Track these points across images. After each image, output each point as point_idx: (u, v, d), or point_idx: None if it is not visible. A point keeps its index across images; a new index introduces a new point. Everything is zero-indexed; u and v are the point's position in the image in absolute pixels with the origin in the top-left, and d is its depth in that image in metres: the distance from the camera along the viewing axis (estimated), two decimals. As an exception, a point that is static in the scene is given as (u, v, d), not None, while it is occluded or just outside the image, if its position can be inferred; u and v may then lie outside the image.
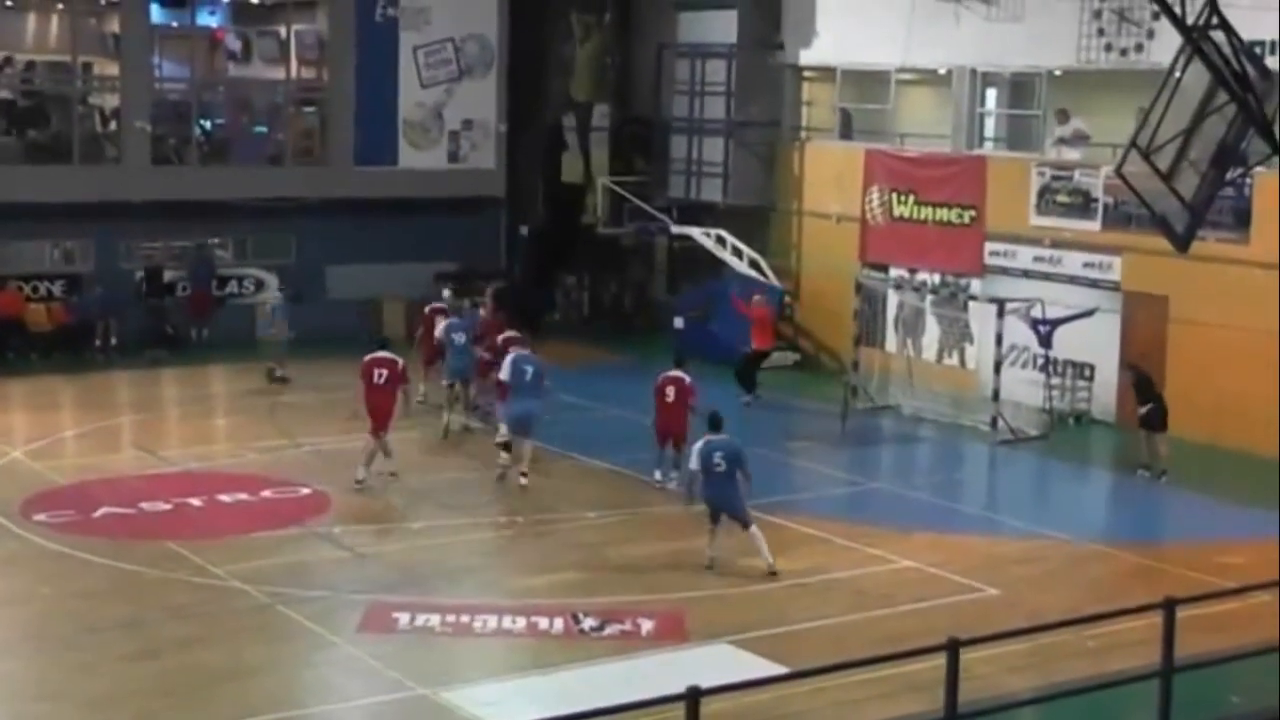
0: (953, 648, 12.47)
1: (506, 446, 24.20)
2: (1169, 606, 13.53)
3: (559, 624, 18.29)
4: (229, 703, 15.92)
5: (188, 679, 16.55)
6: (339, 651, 17.51)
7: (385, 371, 24.08)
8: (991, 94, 33.76)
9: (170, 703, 15.92)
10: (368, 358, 24.35)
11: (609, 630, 18.17)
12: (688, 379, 24.21)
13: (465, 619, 18.47)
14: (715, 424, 20.58)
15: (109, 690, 16.24)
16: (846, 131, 35.70)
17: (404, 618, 18.50)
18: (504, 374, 24.36)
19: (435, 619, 18.46)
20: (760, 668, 16.07)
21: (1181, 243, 18.08)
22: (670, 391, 24.06)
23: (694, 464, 20.22)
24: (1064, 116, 30.74)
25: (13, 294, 33.71)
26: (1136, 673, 14.72)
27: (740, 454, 20.05)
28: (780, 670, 15.53)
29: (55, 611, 18.61)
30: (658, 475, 24.10)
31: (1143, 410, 25.96)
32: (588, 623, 18.32)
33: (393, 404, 24.18)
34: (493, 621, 18.40)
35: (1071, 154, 30.54)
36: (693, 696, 11.26)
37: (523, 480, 23.61)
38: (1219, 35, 16.85)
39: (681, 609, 18.83)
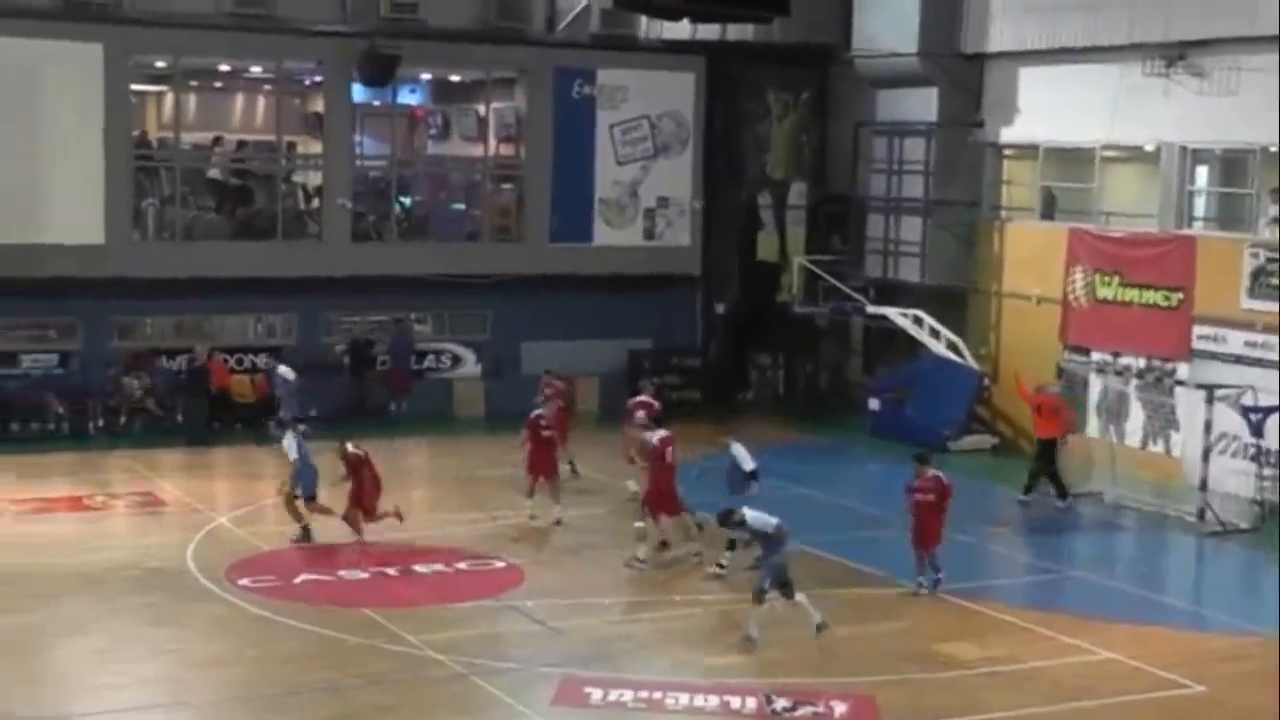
0: None
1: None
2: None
3: (751, 703, 18.18)
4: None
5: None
6: (530, 725, 17.58)
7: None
8: (1201, 171, 32.95)
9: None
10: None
11: (801, 712, 17.99)
12: (944, 477, 23.16)
13: (658, 695, 18.48)
14: None
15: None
16: (1049, 211, 35.21)
17: (596, 693, 18.55)
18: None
19: (628, 694, 18.52)
20: None
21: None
22: (930, 494, 22.81)
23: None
24: (1277, 196, 30.01)
25: (219, 365, 34.37)
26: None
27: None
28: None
29: (260, 674, 19.04)
30: (921, 581, 22.90)
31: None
32: (780, 703, 18.14)
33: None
34: (685, 699, 18.36)
35: (1287, 236, 29.83)
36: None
37: (718, 569, 23.44)
38: None
39: (875, 693, 18.58)
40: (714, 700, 18.30)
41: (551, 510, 26.40)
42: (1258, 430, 28.43)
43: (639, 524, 24.43)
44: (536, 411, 27.51)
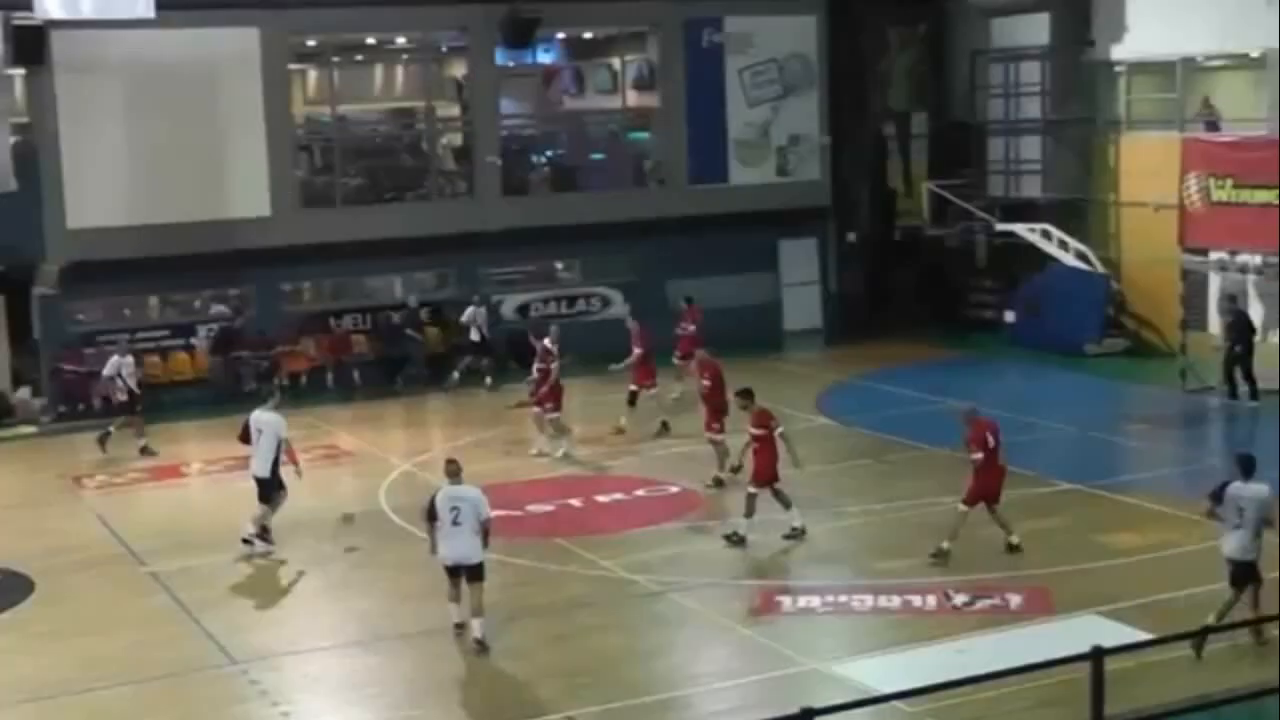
0: None
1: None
2: None
3: (931, 601, 19.44)
4: (638, 680, 17.50)
5: (598, 660, 18.14)
6: (733, 633, 18.95)
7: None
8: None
9: (587, 681, 17.52)
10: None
11: (980, 605, 19.22)
12: None
13: (844, 599, 19.77)
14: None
15: (533, 670, 18.13)
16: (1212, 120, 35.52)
17: (787, 600, 19.88)
18: None
19: (816, 600, 19.81)
20: (1131, 636, 16.75)
21: None
22: None
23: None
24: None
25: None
26: None
27: None
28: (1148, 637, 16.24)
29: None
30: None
31: None
32: (959, 599, 19.41)
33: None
34: (870, 600, 19.64)
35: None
36: (1096, 655, 12.52)
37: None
38: None
39: (1046, 583, 19.80)
40: (897, 600, 19.54)
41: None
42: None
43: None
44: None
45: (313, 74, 40.65)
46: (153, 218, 33.49)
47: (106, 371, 30.23)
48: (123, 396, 30.01)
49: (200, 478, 28.38)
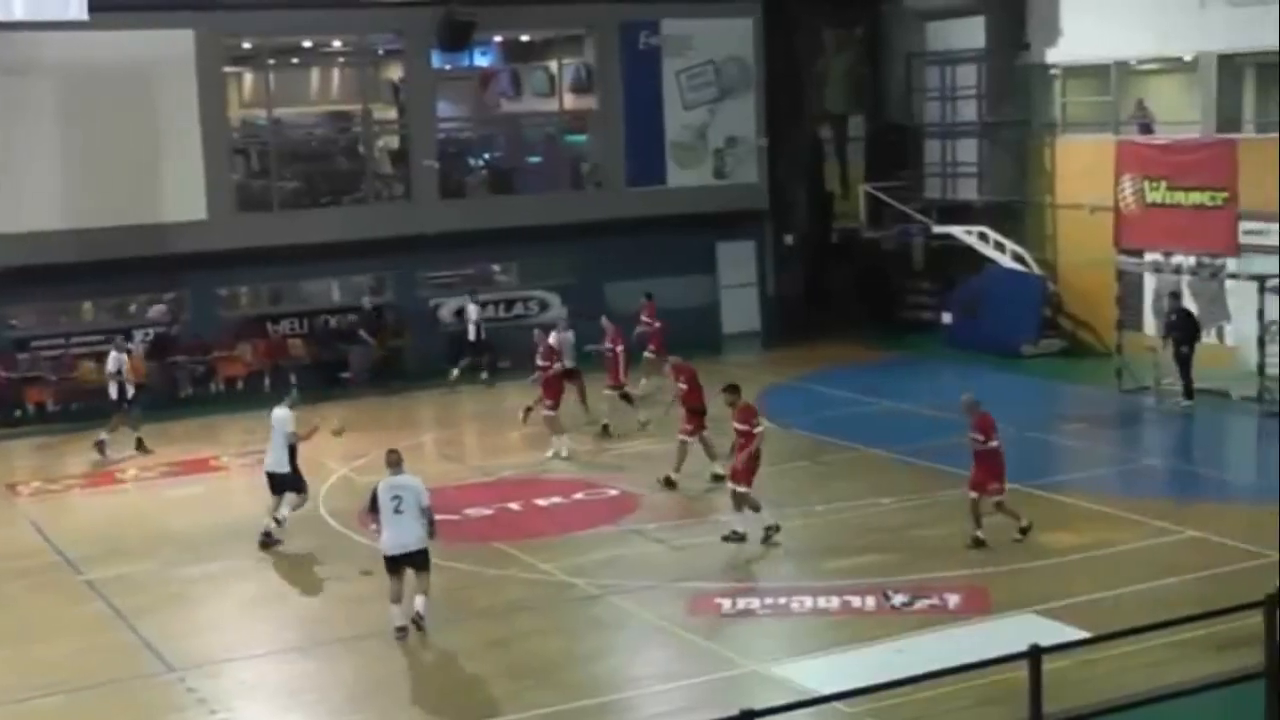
0: (1271, 603, 13.14)
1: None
2: None
3: (871, 601, 19.45)
4: (579, 683, 17.43)
5: (538, 663, 18.07)
6: (673, 635, 18.89)
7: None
8: (1241, 77, 34.11)
9: (528, 684, 17.43)
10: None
11: (918, 605, 19.27)
12: None
13: (783, 601, 19.78)
14: None
15: (474, 674, 18.11)
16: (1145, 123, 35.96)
17: (726, 602, 19.84)
18: None
19: (756, 602, 19.82)
20: (1068, 634, 16.75)
21: None
22: None
23: None
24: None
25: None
26: None
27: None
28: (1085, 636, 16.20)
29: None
30: None
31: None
32: (898, 599, 19.45)
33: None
34: (809, 602, 19.64)
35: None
36: (1034, 654, 12.61)
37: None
38: None
39: (984, 583, 19.91)
40: (836, 601, 19.53)
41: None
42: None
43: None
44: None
45: (248, 77, 40.47)
46: (87, 222, 33.26)
47: (110, 367, 30.04)
48: (114, 395, 29.85)
49: (136, 484, 28.09)
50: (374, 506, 19.03)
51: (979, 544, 21.36)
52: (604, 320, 30.89)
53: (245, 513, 24.34)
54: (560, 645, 18.74)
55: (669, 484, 25.48)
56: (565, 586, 20.85)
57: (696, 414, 25.69)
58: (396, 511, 18.73)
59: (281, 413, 23.32)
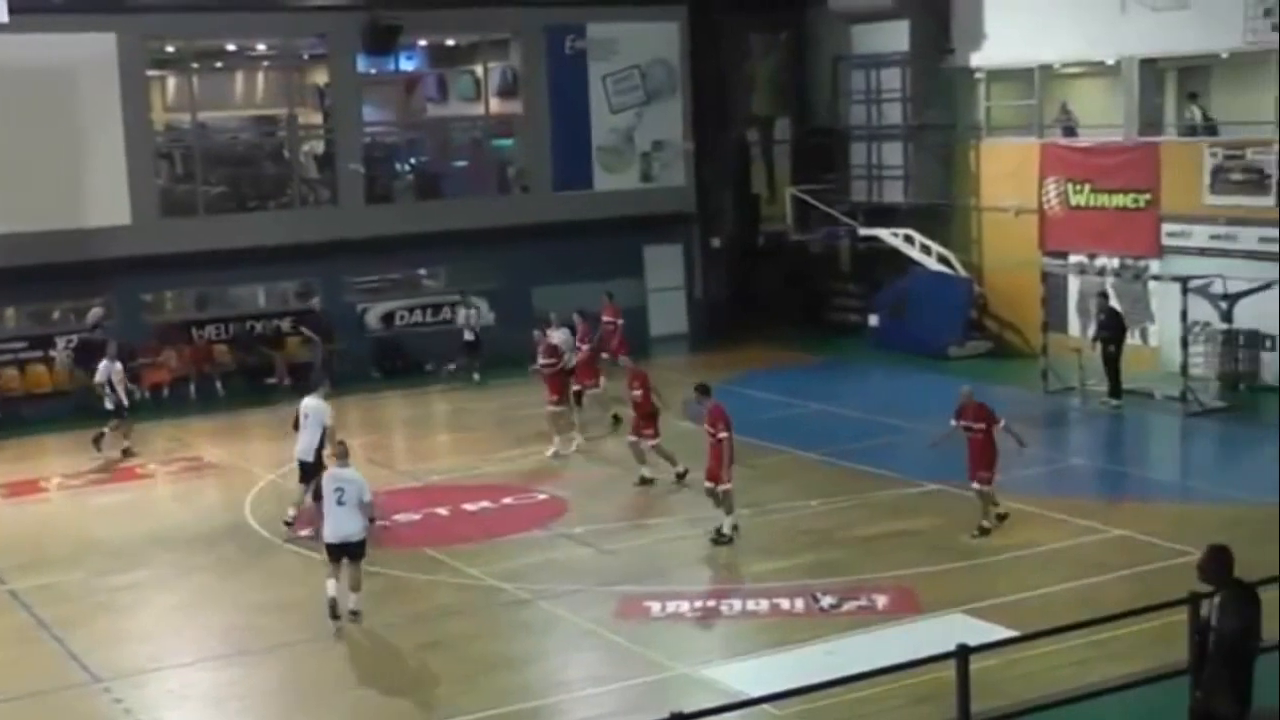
0: (1194, 600, 13.21)
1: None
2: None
3: (799, 603, 19.51)
4: (509, 688, 17.37)
5: (469, 668, 18.00)
6: (602, 639, 18.89)
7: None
8: (1162, 80, 34.61)
9: (459, 689, 17.40)
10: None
11: (846, 606, 19.32)
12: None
13: (712, 604, 19.88)
14: None
15: (404, 680, 18.01)
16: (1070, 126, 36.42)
17: (655, 606, 19.80)
18: None
19: (685, 605, 19.80)
20: (995, 634, 16.84)
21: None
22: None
23: None
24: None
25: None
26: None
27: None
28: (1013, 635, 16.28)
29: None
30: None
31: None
32: (826, 601, 19.50)
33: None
34: (738, 604, 19.74)
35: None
36: (962, 654, 12.68)
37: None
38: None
39: (912, 584, 20.01)
40: (765, 603, 19.60)
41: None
42: (1228, 316, 30.30)
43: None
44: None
45: (172, 80, 40.11)
46: (8, 226, 32.95)
47: (98, 378, 29.88)
48: (110, 405, 29.65)
49: (60, 493, 27.88)
50: (318, 495, 19.75)
51: (984, 532, 21.87)
52: (574, 316, 30.80)
53: (172, 521, 24.26)
54: (490, 650, 18.66)
55: (645, 482, 25.73)
56: (494, 591, 20.77)
57: (650, 418, 25.75)
58: (339, 503, 19.26)
59: (317, 403, 23.82)
